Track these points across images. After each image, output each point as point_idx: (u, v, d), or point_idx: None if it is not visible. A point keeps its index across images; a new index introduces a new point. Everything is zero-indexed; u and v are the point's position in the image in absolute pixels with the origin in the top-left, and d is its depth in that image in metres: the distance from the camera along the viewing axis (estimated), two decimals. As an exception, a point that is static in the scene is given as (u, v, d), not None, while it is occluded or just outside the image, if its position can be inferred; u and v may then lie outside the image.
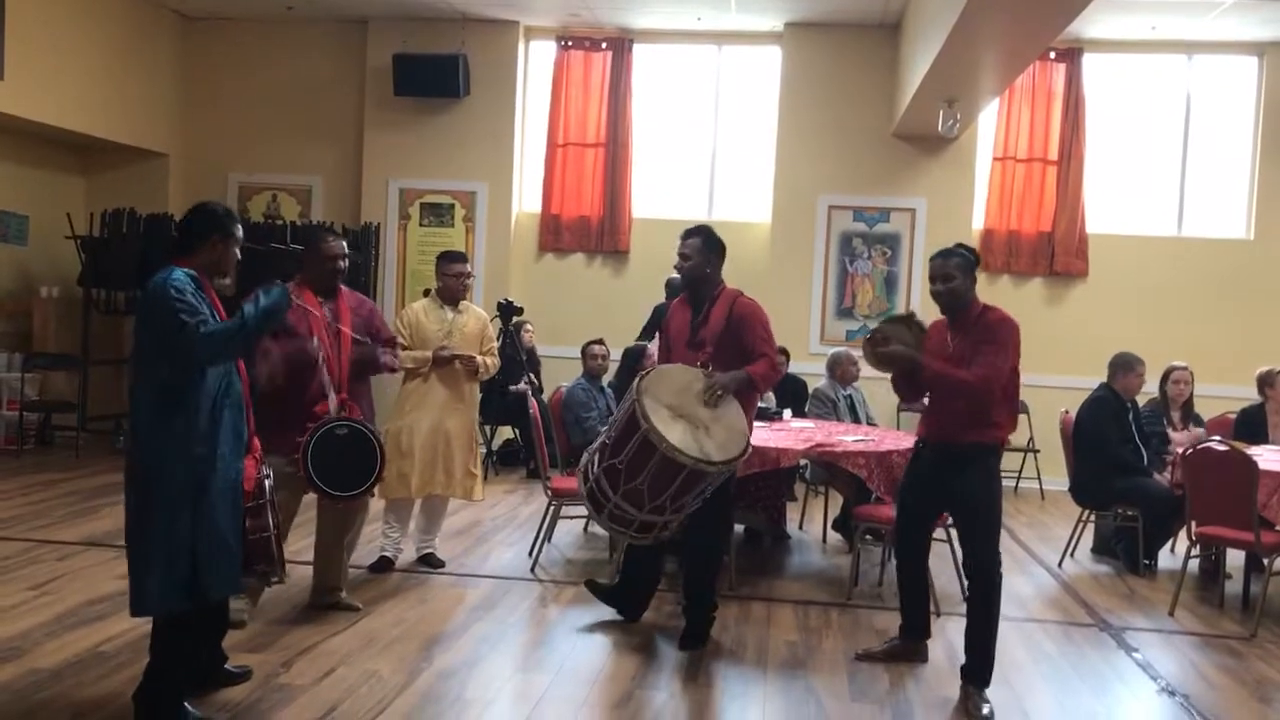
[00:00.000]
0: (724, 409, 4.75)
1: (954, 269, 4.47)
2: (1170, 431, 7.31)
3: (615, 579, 5.51)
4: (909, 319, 4.70)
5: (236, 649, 4.39)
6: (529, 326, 9.68)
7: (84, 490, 7.94)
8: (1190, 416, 7.49)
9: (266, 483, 3.79)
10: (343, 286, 5.11)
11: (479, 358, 6.02)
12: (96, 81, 9.85)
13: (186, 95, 11.07)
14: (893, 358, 4.43)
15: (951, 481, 4.47)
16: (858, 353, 7.99)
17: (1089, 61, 10.26)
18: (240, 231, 3.86)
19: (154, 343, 3.62)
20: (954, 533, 5.30)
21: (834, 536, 7.34)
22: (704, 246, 5.05)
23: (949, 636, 5.13)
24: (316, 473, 4.68)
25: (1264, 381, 7.41)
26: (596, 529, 6.80)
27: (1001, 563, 4.48)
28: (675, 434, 4.50)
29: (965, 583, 4.63)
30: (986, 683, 4.41)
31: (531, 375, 8.64)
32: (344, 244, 5.13)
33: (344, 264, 5.06)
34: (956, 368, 4.37)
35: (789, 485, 7.64)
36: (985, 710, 4.29)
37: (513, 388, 8.89)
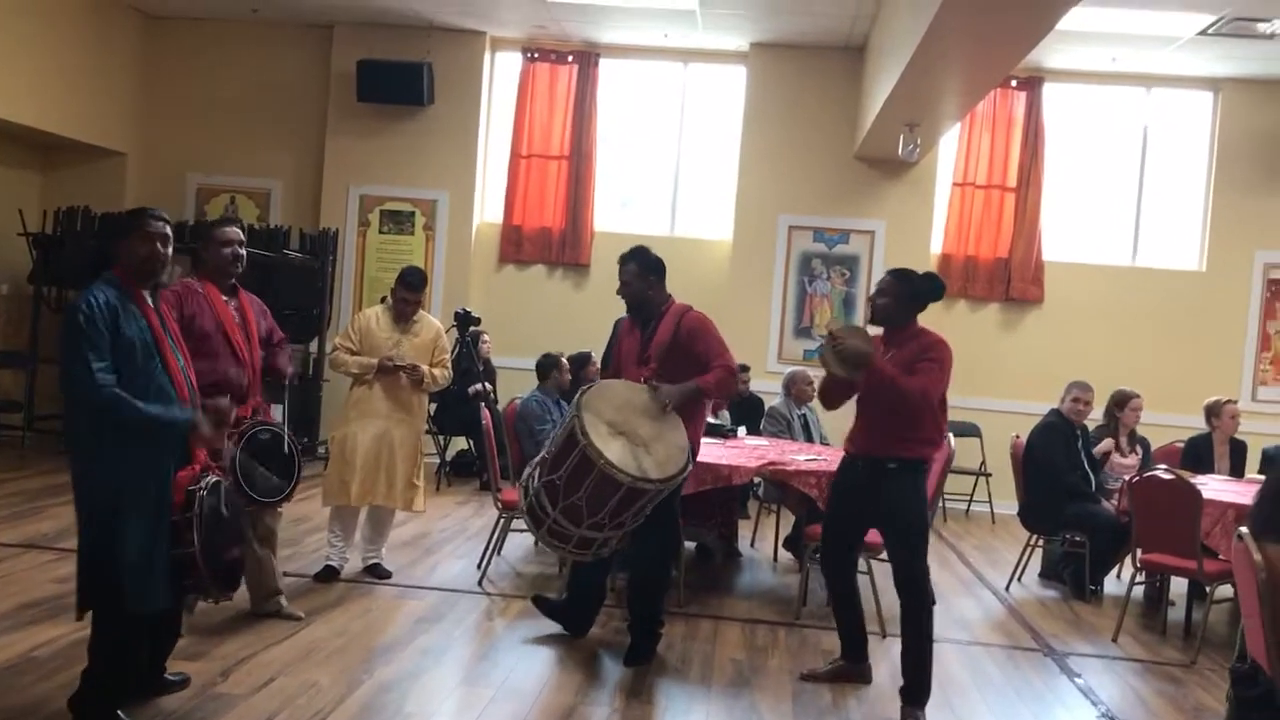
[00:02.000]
0: (666, 426, 4.72)
1: (889, 286, 4.63)
2: (1117, 456, 7.39)
3: (564, 595, 5.48)
4: (861, 329, 4.74)
5: (174, 656, 4.29)
6: (486, 338, 9.64)
7: (28, 491, 7.79)
8: (1135, 440, 7.58)
9: (198, 495, 3.61)
10: (240, 286, 4.85)
11: (425, 369, 5.95)
12: (55, 78, 9.71)
13: (147, 94, 10.94)
14: (854, 353, 4.44)
15: (879, 496, 4.54)
16: (814, 372, 8.07)
17: (1049, 91, 10.39)
18: (158, 226, 3.68)
19: (61, 354, 3.55)
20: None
21: (785, 555, 7.35)
22: (640, 270, 5.06)
23: (893, 658, 5.11)
24: (243, 481, 4.50)
25: (1211, 411, 7.51)
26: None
27: (929, 574, 4.55)
28: (614, 451, 4.48)
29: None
30: (923, 702, 4.43)
31: (487, 384, 8.61)
32: (240, 231, 4.86)
33: (241, 251, 4.78)
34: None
35: (741, 502, 7.65)
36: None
37: (471, 389, 8.83)
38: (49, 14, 9.55)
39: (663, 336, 4.98)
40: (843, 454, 4.83)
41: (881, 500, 4.54)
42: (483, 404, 7.26)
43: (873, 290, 4.75)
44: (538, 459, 4.78)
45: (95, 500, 3.57)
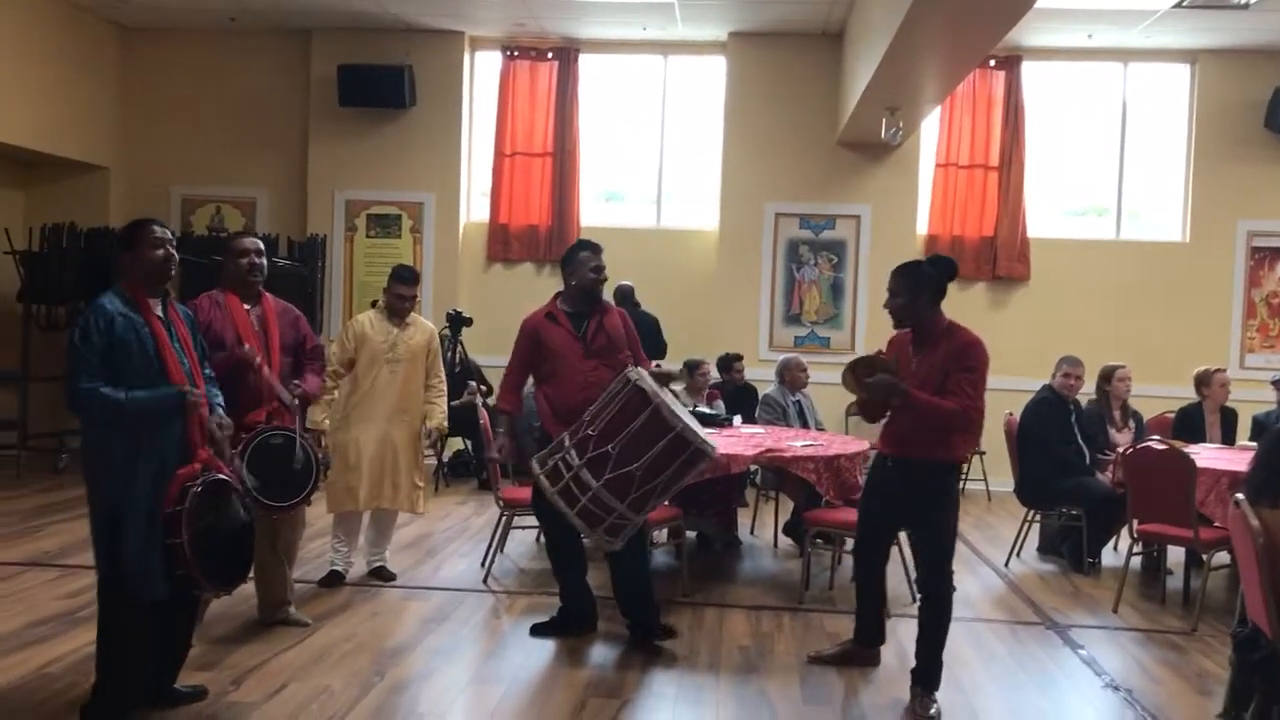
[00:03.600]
0: (679, 404, 4.81)
1: (898, 285, 4.50)
2: (1112, 431, 7.45)
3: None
4: (876, 358, 4.59)
5: (185, 668, 4.31)
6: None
7: (24, 510, 7.79)
8: (1129, 414, 7.64)
9: (191, 490, 3.71)
10: (266, 293, 4.96)
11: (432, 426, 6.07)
12: (35, 94, 9.69)
13: (127, 108, 10.92)
14: (884, 388, 4.33)
15: (912, 499, 4.51)
16: (806, 358, 8.13)
17: (1028, 69, 10.44)
18: (154, 232, 3.85)
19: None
20: (903, 535, 5.37)
21: (785, 541, 7.39)
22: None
23: (900, 638, 5.19)
24: (253, 484, 4.56)
25: (1201, 381, 7.58)
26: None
27: (953, 580, 4.54)
28: (696, 429, 4.55)
29: (916, 593, 4.69)
30: (935, 687, 4.47)
31: (475, 384, 8.62)
32: (258, 241, 4.94)
33: (259, 260, 4.85)
34: (933, 394, 4.33)
35: (740, 491, 7.69)
36: (933, 710, 4.36)
37: (454, 403, 8.83)
38: (26, 30, 9.52)
39: (615, 326, 5.20)
40: (874, 454, 4.84)
41: (913, 504, 4.51)
42: (479, 403, 7.25)
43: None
44: (577, 461, 4.55)
45: (103, 501, 3.75)
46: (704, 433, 4.70)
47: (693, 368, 7.69)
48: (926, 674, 4.48)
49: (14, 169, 10.61)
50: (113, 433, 3.71)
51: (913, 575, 5.18)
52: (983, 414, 4.44)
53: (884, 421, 4.66)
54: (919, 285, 4.47)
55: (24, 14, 9.52)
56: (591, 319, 5.17)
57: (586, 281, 5.17)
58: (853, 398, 4.64)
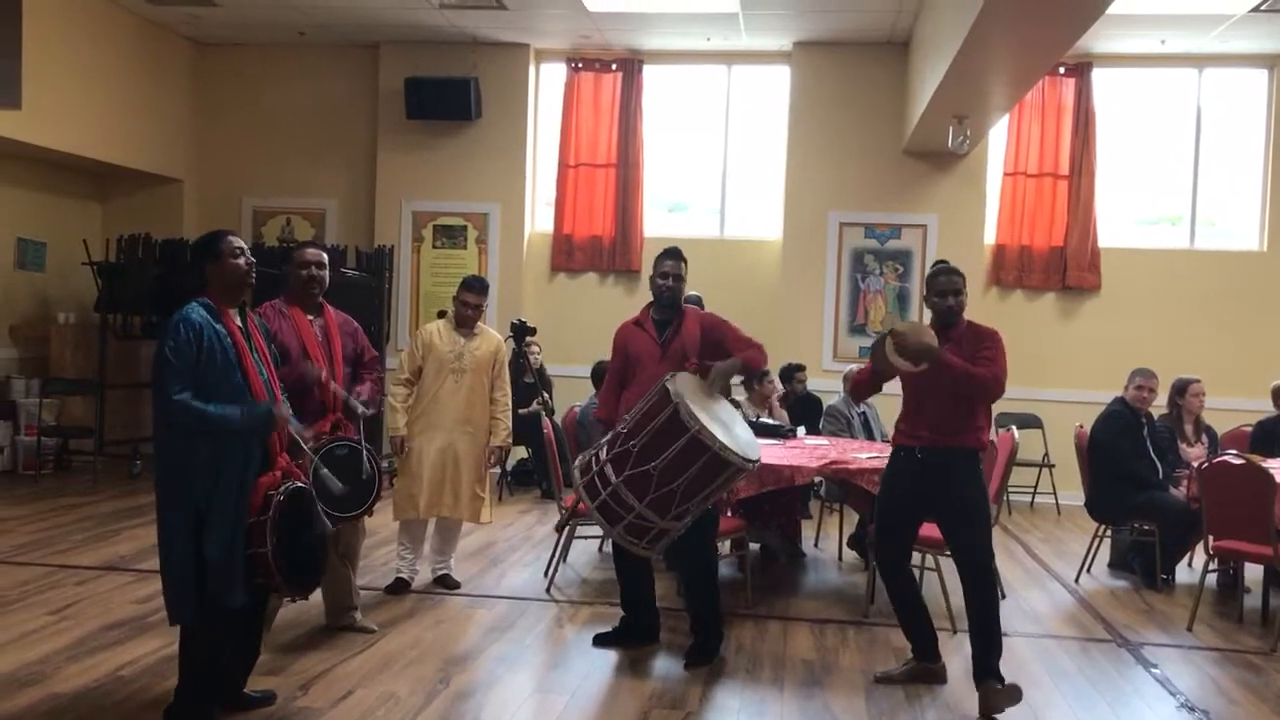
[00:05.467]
0: (728, 410, 4.81)
1: (960, 284, 4.67)
2: (1184, 447, 7.28)
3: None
4: (924, 325, 4.73)
5: (253, 673, 4.39)
6: (535, 347, 9.69)
7: (101, 515, 7.98)
8: (1203, 429, 7.46)
9: (275, 498, 3.79)
10: (328, 304, 5.05)
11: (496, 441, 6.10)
12: (112, 109, 9.96)
13: (200, 121, 11.19)
14: (919, 349, 4.45)
15: (948, 486, 4.56)
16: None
17: (1099, 76, 10.27)
18: (232, 242, 3.90)
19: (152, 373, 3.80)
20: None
21: (849, 554, 7.33)
22: (684, 269, 5.24)
23: (966, 654, 5.10)
24: (317, 495, 4.63)
25: (1278, 394, 7.38)
26: (610, 548, 6.78)
27: (994, 557, 4.63)
28: (719, 435, 4.48)
29: (961, 582, 4.68)
30: (997, 669, 4.49)
31: (545, 395, 8.64)
32: (321, 253, 5.03)
33: (320, 272, 4.94)
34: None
35: (804, 503, 7.64)
36: (1008, 694, 4.42)
37: (522, 411, 8.89)
38: (104, 49, 9.80)
39: (692, 333, 5.12)
40: (895, 449, 4.82)
41: (950, 488, 4.56)
42: (543, 413, 7.28)
43: (936, 294, 4.68)
44: (605, 455, 4.61)
45: (184, 508, 3.75)
46: (744, 444, 4.62)
47: (761, 378, 7.68)
48: (985, 660, 4.49)
49: (93, 182, 10.91)
50: (197, 440, 3.73)
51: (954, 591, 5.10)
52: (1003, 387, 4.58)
53: (909, 415, 4.71)
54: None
55: (103, 31, 9.79)
56: (672, 325, 5.17)
57: (655, 288, 5.20)
58: None
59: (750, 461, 4.54)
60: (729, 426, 4.64)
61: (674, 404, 4.45)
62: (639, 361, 5.19)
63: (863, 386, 4.83)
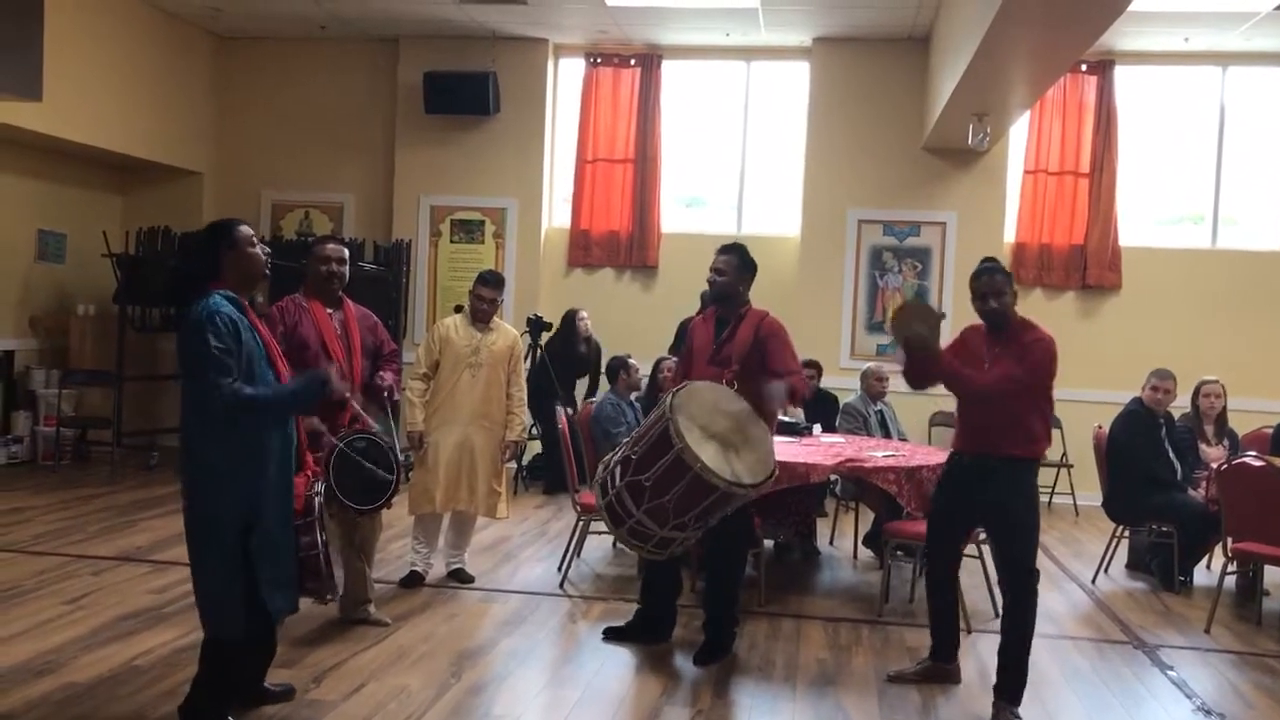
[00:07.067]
0: (754, 430, 4.72)
1: (1004, 285, 4.47)
2: (1204, 447, 7.23)
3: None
4: (929, 310, 4.64)
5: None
6: (584, 314, 9.70)
7: (119, 505, 8.02)
8: (1224, 431, 7.40)
9: (316, 500, 3.80)
10: (347, 298, 5.07)
11: (513, 437, 6.07)
12: (133, 102, 10.00)
13: (220, 114, 11.22)
14: (919, 342, 4.37)
15: (988, 494, 4.43)
16: (889, 367, 8.01)
17: (1121, 73, 10.18)
18: (243, 231, 3.78)
19: (188, 370, 3.67)
20: (986, 548, 5.27)
21: (864, 552, 7.29)
22: (739, 265, 5.08)
23: (980, 654, 5.10)
24: (338, 486, 4.60)
25: (1300, 395, 7.31)
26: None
27: (1039, 577, 4.44)
28: (708, 455, 4.43)
29: (998, 598, 4.60)
30: (1019, 699, 4.37)
31: (569, 410, 8.59)
32: (341, 248, 5.03)
33: (339, 268, 4.95)
34: (1012, 386, 4.34)
35: (819, 501, 7.61)
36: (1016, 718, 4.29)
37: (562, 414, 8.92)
38: (125, 42, 9.83)
39: (744, 339, 4.99)
40: (949, 453, 4.77)
41: (989, 498, 4.43)
42: (559, 407, 7.28)
43: (976, 296, 4.53)
44: (617, 457, 4.71)
45: (225, 515, 3.63)
46: (743, 469, 4.54)
47: None
48: (1011, 686, 4.38)
49: (113, 174, 10.96)
50: (235, 438, 3.61)
51: (996, 588, 5.06)
52: (1040, 404, 4.41)
53: (958, 419, 4.64)
54: (1010, 283, 4.52)
55: (123, 25, 9.83)
56: (730, 325, 5.09)
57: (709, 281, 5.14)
58: (937, 408, 4.63)
59: (745, 486, 4.48)
60: (736, 447, 4.57)
61: (667, 420, 4.46)
62: (694, 355, 5.16)
63: (909, 375, 4.59)
